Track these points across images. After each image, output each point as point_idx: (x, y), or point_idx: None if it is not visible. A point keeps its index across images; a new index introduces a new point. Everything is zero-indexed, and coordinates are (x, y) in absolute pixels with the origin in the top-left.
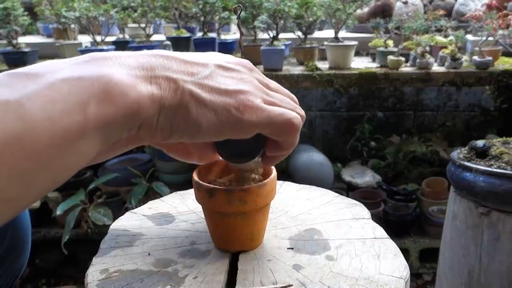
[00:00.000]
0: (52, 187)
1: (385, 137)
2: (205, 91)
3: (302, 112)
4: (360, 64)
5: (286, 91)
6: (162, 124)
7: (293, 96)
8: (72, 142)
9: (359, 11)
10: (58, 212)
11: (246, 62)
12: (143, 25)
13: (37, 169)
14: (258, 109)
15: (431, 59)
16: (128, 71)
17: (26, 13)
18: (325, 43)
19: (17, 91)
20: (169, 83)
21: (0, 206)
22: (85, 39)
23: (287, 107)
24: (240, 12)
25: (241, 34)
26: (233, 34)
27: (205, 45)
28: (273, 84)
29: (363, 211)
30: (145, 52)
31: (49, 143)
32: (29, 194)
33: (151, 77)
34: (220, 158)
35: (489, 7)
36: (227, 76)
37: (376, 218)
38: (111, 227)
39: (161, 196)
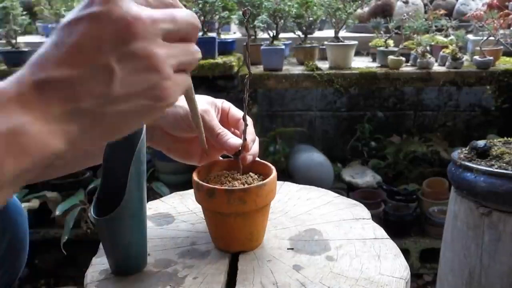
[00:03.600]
0: None
1: (386, 137)
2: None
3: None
4: (361, 64)
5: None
6: (80, 144)
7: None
8: None
9: (359, 11)
10: (58, 212)
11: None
12: None
13: None
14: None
15: (432, 59)
16: (40, 115)
17: (25, 12)
18: (325, 42)
19: None
20: (81, 117)
21: None
22: None
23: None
24: (249, 16)
25: (249, 36)
26: (233, 33)
27: (204, 44)
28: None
29: (363, 211)
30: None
31: None
32: None
33: (64, 113)
34: (221, 159)
35: (490, 6)
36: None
37: (376, 218)
38: None
39: (161, 196)
